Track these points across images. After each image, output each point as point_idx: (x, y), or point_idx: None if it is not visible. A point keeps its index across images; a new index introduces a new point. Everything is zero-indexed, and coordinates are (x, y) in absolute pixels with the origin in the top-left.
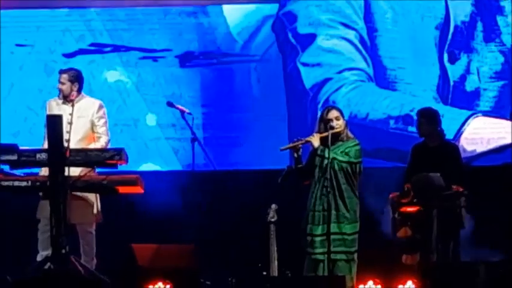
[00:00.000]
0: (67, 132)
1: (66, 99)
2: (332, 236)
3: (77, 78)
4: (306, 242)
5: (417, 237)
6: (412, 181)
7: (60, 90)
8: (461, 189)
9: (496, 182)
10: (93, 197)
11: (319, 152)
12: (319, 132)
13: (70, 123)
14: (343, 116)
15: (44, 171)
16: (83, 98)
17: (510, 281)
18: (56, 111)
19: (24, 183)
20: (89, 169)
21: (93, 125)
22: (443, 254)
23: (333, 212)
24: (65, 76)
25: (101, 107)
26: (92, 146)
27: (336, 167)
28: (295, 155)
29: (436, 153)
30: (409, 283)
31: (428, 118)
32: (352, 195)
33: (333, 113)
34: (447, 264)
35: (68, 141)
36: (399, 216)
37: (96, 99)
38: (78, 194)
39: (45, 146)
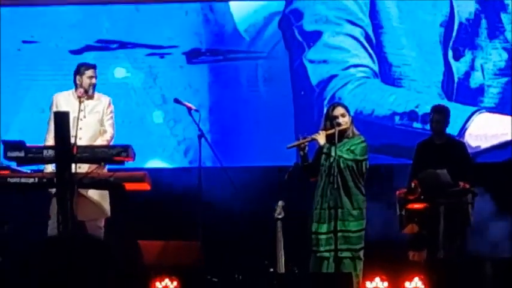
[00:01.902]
0: (80, 128)
1: (85, 93)
2: (339, 234)
3: None
4: (312, 240)
5: (424, 234)
6: (419, 178)
7: (91, 85)
8: (468, 186)
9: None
10: (102, 193)
11: (325, 149)
12: (325, 129)
13: (80, 119)
14: (348, 113)
15: (50, 168)
16: (94, 94)
17: None
18: (64, 107)
19: (31, 180)
20: (96, 166)
21: (102, 119)
22: (449, 250)
23: (339, 209)
24: (93, 71)
25: (110, 102)
26: (99, 140)
27: (342, 164)
28: (301, 152)
29: (444, 151)
30: (416, 280)
31: (444, 115)
32: (358, 193)
33: (339, 110)
34: (454, 261)
35: (75, 137)
36: (406, 212)
37: (104, 95)
38: (86, 190)
39: (48, 140)
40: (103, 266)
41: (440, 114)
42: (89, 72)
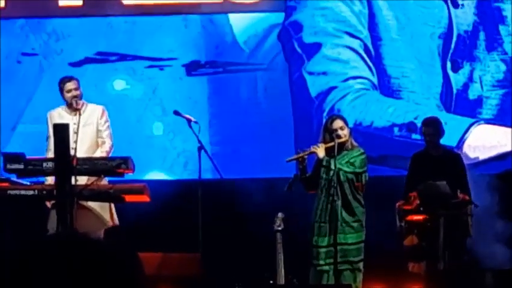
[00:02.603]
0: (74, 142)
1: (72, 107)
2: (339, 247)
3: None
4: (312, 253)
5: (424, 245)
6: (419, 189)
7: (76, 97)
8: (467, 198)
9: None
10: (104, 206)
11: (324, 162)
12: (324, 142)
13: (76, 133)
14: (347, 125)
15: (50, 180)
16: (86, 106)
17: None
18: (58, 122)
19: (31, 192)
20: (96, 178)
21: (97, 130)
22: (449, 262)
23: (339, 222)
24: (76, 82)
25: (103, 111)
26: (98, 151)
27: (342, 177)
28: (301, 165)
29: (440, 162)
30: None
31: (436, 127)
32: (357, 205)
33: (338, 123)
34: (454, 272)
35: (75, 150)
36: (406, 224)
37: (97, 105)
38: (86, 202)
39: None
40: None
41: (431, 127)
42: (67, 86)
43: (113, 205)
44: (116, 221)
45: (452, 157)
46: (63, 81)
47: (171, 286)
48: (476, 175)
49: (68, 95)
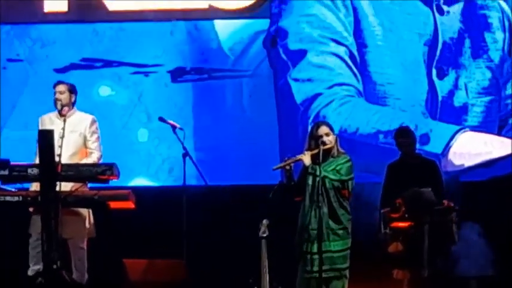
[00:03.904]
0: (59, 147)
1: (61, 112)
2: (324, 255)
3: (74, 90)
4: (303, 260)
5: (408, 252)
6: (404, 196)
7: (58, 101)
8: (452, 205)
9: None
10: (85, 212)
11: (310, 169)
12: (310, 149)
13: (62, 138)
14: (333, 131)
15: (35, 186)
16: (75, 113)
17: None
18: (48, 127)
19: (15, 198)
20: (81, 184)
21: (85, 140)
22: (434, 269)
23: (325, 229)
24: (63, 86)
25: (93, 121)
26: (84, 161)
27: (328, 185)
28: (287, 173)
29: (417, 171)
30: None
31: (412, 136)
32: (343, 212)
33: (323, 130)
34: (438, 279)
35: (60, 156)
36: (390, 231)
37: (88, 114)
38: (70, 208)
39: (37, 161)
40: None
41: (409, 138)
42: (55, 89)
43: (91, 215)
44: (93, 233)
45: (429, 165)
46: (54, 85)
47: None
48: None
49: (55, 98)
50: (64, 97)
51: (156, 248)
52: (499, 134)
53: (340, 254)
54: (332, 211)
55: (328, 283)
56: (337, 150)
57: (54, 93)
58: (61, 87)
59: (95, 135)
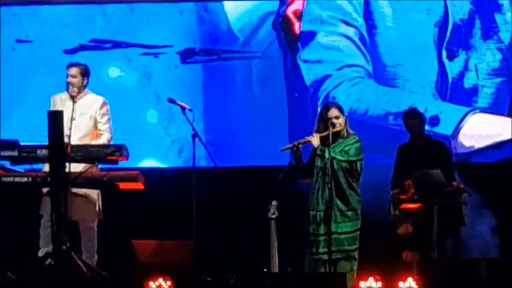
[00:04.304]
0: (69, 128)
1: (71, 94)
2: (333, 236)
3: (86, 73)
4: (308, 242)
5: (418, 234)
6: (413, 178)
7: (70, 84)
8: (461, 186)
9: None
10: (95, 194)
11: (318, 151)
12: (319, 131)
13: (72, 120)
14: (342, 113)
15: (47, 167)
16: (87, 94)
17: (511, 277)
18: (59, 107)
19: (24, 179)
20: (90, 165)
21: (96, 122)
22: (443, 250)
23: (334, 211)
24: (75, 69)
25: (104, 104)
26: (94, 143)
27: (336, 166)
28: (295, 154)
29: (426, 152)
30: (410, 280)
31: (420, 118)
32: (352, 193)
33: (333, 112)
34: (447, 261)
35: (69, 137)
36: (400, 213)
37: (99, 96)
38: (80, 190)
39: None
40: None
41: (417, 119)
42: (67, 72)
43: (100, 197)
44: (101, 215)
45: (438, 146)
46: (66, 66)
47: (165, 273)
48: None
49: (67, 80)
50: (76, 81)
51: (165, 229)
52: (509, 115)
53: (349, 236)
54: (341, 192)
55: (336, 264)
56: (347, 131)
57: (67, 75)
58: (73, 71)
59: (105, 117)
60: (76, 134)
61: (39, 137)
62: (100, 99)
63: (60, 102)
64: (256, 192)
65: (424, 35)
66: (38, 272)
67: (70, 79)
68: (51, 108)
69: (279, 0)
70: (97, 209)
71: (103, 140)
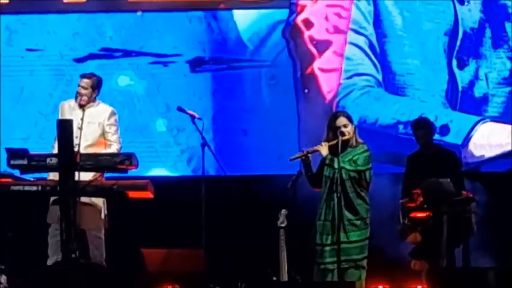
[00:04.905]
0: (76, 137)
1: (80, 103)
2: (342, 245)
3: (98, 85)
4: (316, 251)
5: (427, 243)
6: (422, 187)
7: (80, 94)
8: (471, 195)
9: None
10: (100, 203)
11: (327, 161)
12: (328, 140)
13: (80, 128)
14: (351, 122)
15: (52, 176)
16: (96, 104)
17: None
18: (67, 115)
19: (34, 188)
20: (100, 174)
21: (104, 132)
22: (452, 259)
23: (342, 220)
24: (87, 81)
25: (112, 114)
26: (104, 151)
27: (344, 175)
28: (304, 164)
29: (434, 161)
30: None
31: (428, 127)
32: (361, 202)
33: (341, 121)
34: (456, 270)
35: (78, 145)
36: (409, 221)
37: (108, 106)
38: (86, 199)
39: (55, 148)
40: None
41: (421, 130)
42: (79, 82)
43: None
44: (106, 224)
45: (447, 155)
46: (80, 76)
47: (174, 282)
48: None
49: (77, 89)
50: (85, 92)
51: (175, 238)
52: None
53: (357, 245)
54: (348, 202)
55: (344, 273)
56: (356, 140)
57: (78, 84)
58: (84, 82)
59: (114, 128)
60: (83, 142)
61: (49, 145)
62: (109, 109)
63: (69, 109)
64: (266, 201)
65: (434, 44)
66: (48, 280)
67: (80, 89)
68: (60, 114)
69: (288, 9)
70: (103, 217)
71: (112, 150)
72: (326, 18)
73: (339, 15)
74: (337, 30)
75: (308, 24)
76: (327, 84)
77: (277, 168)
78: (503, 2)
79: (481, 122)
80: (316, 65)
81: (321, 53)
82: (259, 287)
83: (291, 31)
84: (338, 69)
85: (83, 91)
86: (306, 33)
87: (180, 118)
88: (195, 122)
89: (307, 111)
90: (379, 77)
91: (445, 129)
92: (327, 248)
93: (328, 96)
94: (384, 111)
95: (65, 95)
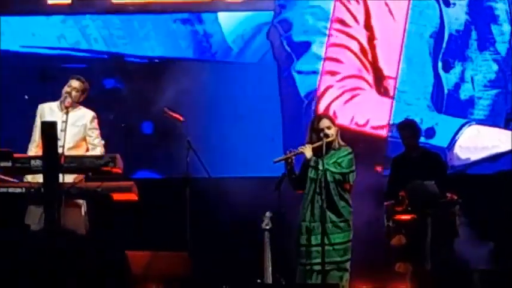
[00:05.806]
0: (59, 139)
1: (63, 103)
2: (325, 247)
3: (87, 91)
4: (299, 252)
5: (411, 245)
6: (407, 189)
7: (69, 95)
8: (455, 197)
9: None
10: (80, 201)
11: (312, 163)
12: (311, 142)
13: (63, 131)
14: (334, 124)
15: (30, 178)
16: (78, 108)
17: None
18: (48, 117)
19: (18, 190)
20: (83, 176)
21: (86, 135)
22: (436, 261)
23: (326, 222)
24: (80, 84)
25: (93, 118)
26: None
27: (329, 178)
28: (288, 166)
29: (419, 163)
30: None
31: (411, 130)
32: (345, 204)
33: (324, 123)
34: (440, 272)
35: (63, 148)
36: (393, 223)
37: (89, 110)
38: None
39: (31, 150)
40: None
41: (407, 130)
42: (70, 82)
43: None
44: (87, 225)
45: (432, 157)
46: (71, 77)
47: (159, 284)
48: None
49: (66, 89)
50: (75, 95)
51: (159, 240)
52: (505, 127)
53: (340, 247)
54: (332, 204)
55: (327, 275)
56: (338, 143)
57: (67, 85)
58: (76, 84)
59: (96, 132)
60: (65, 145)
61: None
62: (90, 113)
63: (49, 111)
64: (250, 203)
65: (420, 47)
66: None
67: (71, 91)
68: (39, 117)
69: (272, 11)
70: (83, 214)
71: (97, 153)
72: (304, 20)
73: (318, 16)
74: (316, 32)
75: (286, 25)
76: (306, 87)
77: (262, 170)
78: (489, 4)
79: (467, 125)
80: (294, 67)
81: (298, 55)
82: None
83: (271, 33)
84: (316, 71)
85: (74, 93)
86: (284, 35)
87: (165, 120)
88: (180, 124)
89: (290, 112)
90: (370, 78)
91: (430, 132)
92: (314, 249)
93: (306, 100)
94: (373, 113)
95: (49, 96)
